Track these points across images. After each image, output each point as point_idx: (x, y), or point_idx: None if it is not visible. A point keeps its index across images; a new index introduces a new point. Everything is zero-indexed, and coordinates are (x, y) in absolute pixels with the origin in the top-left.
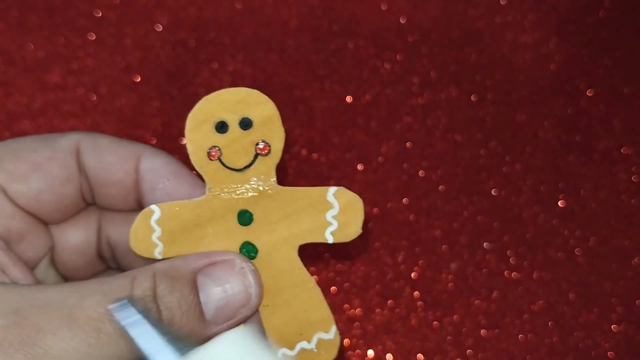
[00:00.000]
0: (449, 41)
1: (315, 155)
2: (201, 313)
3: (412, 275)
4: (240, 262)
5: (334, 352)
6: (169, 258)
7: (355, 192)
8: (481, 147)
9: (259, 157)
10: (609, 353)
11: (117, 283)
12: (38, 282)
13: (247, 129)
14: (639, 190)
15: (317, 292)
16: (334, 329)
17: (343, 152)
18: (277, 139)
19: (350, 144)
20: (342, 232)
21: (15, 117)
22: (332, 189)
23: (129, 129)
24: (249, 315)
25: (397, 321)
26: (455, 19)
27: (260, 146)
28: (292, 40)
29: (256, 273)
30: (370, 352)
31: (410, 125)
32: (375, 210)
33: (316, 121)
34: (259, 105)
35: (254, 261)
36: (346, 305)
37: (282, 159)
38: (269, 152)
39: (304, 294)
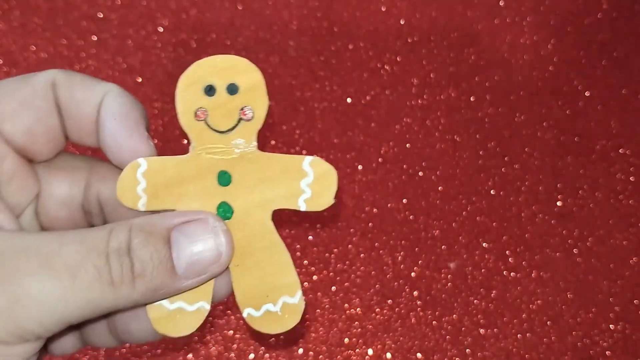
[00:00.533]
0: (448, 43)
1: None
2: (172, 267)
3: (412, 274)
4: (214, 221)
5: (298, 317)
6: (151, 212)
7: (355, 193)
8: (480, 148)
9: (242, 122)
10: (606, 352)
11: (95, 234)
12: (21, 228)
13: (233, 94)
14: (636, 191)
15: (287, 256)
16: (299, 293)
17: (343, 153)
18: (261, 106)
19: (350, 145)
20: (314, 201)
21: None
22: (309, 158)
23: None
24: (219, 272)
25: (396, 320)
26: (454, 21)
27: (245, 111)
28: (293, 42)
29: (228, 233)
30: (370, 351)
31: (409, 126)
32: (375, 210)
33: (316, 122)
34: (246, 73)
35: (228, 222)
36: (346, 305)
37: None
38: (252, 117)
39: (273, 257)
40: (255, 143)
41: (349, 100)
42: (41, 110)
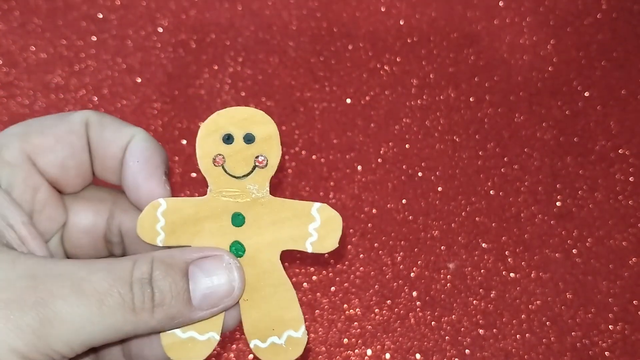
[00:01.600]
0: (447, 43)
1: (315, 156)
2: (189, 299)
3: (411, 275)
4: (229, 258)
5: (301, 349)
6: (168, 247)
7: (355, 193)
8: (479, 148)
9: (257, 169)
10: (605, 352)
11: (120, 264)
12: (51, 256)
13: (250, 143)
14: (636, 191)
15: (292, 293)
16: (303, 328)
17: (342, 153)
18: (274, 155)
19: (349, 145)
20: (320, 244)
21: (18, 118)
22: (317, 205)
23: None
24: (230, 306)
25: (395, 321)
26: (453, 22)
27: (260, 159)
28: (292, 42)
29: (241, 270)
30: (369, 352)
31: (409, 127)
32: (374, 210)
33: (316, 122)
34: (262, 124)
35: (240, 259)
36: (345, 305)
37: (281, 161)
38: (266, 165)
39: (280, 294)
40: (267, 188)
41: (348, 100)
42: (74, 147)
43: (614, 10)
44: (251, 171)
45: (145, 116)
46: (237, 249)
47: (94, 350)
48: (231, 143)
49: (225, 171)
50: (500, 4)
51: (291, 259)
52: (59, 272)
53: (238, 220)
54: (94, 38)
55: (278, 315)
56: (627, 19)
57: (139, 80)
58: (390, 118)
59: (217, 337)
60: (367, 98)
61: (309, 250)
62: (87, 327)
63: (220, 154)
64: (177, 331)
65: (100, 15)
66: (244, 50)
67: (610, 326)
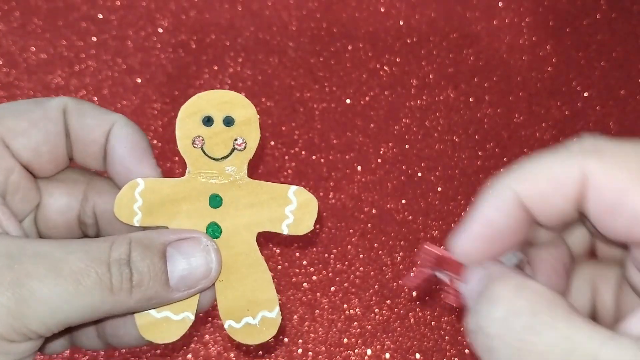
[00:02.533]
0: (447, 44)
1: (314, 156)
2: (166, 280)
3: (411, 275)
4: (206, 240)
5: (274, 329)
6: (144, 227)
7: (355, 193)
8: (479, 149)
9: (235, 151)
10: None
11: (98, 244)
12: (26, 236)
13: (229, 126)
14: None
15: (267, 275)
16: (277, 309)
17: (342, 153)
18: (253, 138)
19: (349, 145)
20: (296, 226)
21: None
22: (293, 187)
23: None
24: (207, 287)
25: (395, 320)
26: (453, 22)
27: (238, 142)
28: (292, 43)
29: (218, 252)
30: (369, 351)
31: (408, 127)
32: (374, 210)
33: (316, 123)
34: (242, 108)
35: (217, 240)
36: (345, 305)
37: (282, 161)
38: (245, 147)
39: (255, 275)
40: (245, 171)
41: (348, 101)
42: (49, 132)
43: (613, 11)
44: (230, 153)
45: (146, 116)
46: (214, 230)
47: (68, 330)
48: (211, 125)
49: (204, 153)
50: (500, 4)
51: (291, 260)
52: (35, 251)
53: (215, 201)
54: (94, 38)
55: (253, 296)
56: (627, 19)
57: (139, 80)
58: (389, 118)
59: (192, 317)
60: (367, 98)
61: (285, 232)
62: (63, 307)
63: (199, 136)
64: (152, 311)
65: (101, 16)
66: (243, 50)
67: None
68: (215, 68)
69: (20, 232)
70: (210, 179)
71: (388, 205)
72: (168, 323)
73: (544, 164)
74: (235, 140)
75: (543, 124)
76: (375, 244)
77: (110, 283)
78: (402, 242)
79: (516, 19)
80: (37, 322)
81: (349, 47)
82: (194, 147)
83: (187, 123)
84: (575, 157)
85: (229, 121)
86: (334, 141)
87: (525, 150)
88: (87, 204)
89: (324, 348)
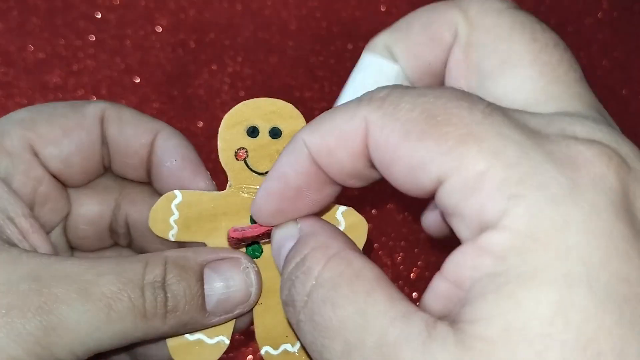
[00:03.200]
0: None
1: None
2: (203, 304)
3: (411, 275)
4: (246, 262)
5: None
6: (179, 242)
7: (354, 193)
8: None
9: None
10: None
11: (131, 266)
12: (54, 251)
13: (276, 138)
14: None
15: None
16: None
17: None
18: None
19: None
20: None
21: None
22: (342, 208)
23: None
24: (246, 312)
25: None
26: None
27: None
28: (292, 42)
29: (258, 274)
30: None
31: None
32: (374, 211)
33: None
34: (290, 119)
35: (257, 260)
36: None
37: None
38: None
39: None
40: None
41: None
42: (82, 142)
43: (614, 10)
44: None
45: None
46: (254, 250)
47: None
48: (256, 136)
49: (248, 166)
50: None
51: None
52: (64, 273)
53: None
54: (93, 38)
55: None
56: (628, 19)
57: (137, 80)
58: None
59: (227, 342)
60: None
61: None
62: (93, 334)
63: (243, 148)
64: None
65: (99, 15)
66: (243, 50)
67: None
68: (215, 67)
69: (49, 247)
70: (253, 194)
71: (388, 206)
72: (201, 347)
73: (333, 116)
74: None
75: None
76: (376, 245)
77: (143, 308)
78: (402, 243)
79: None
80: (66, 351)
81: (349, 47)
82: (236, 159)
83: (230, 133)
84: (361, 107)
85: (275, 133)
86: None
87: None
88: (120, 212)
89: None
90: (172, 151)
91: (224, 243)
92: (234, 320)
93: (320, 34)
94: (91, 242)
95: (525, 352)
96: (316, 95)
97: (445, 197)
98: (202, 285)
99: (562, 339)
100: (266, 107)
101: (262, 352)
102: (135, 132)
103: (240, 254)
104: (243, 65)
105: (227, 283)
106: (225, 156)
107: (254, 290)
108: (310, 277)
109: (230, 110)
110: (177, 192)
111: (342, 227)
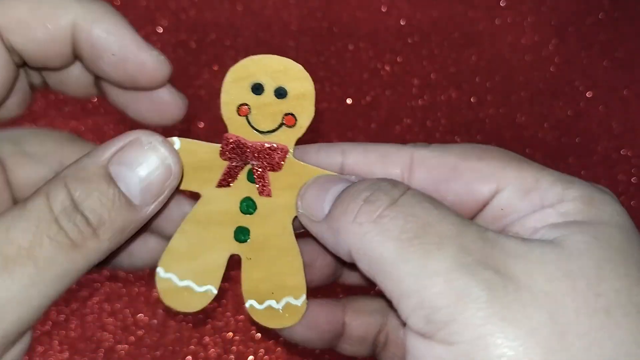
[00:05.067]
0: (448, 43)
1: None
2: (127, 201)
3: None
4: (147, 138)
5: (298, 317)
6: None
7: None
8: None
9: (283, 127)
10: None
11: (34, 204)
12: None
13: (281, 98)
14: (638, 192)
15: (299, 261)
16: (303, 297)
17: None
18: (306, 115)
19: None
20: None
21: (17, 119)
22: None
23: (129, 130)
24: (176, 185)
25: None
26: (455, 21)
27: (289, 117)
28: (293, 42)
29: (166, 142)
30: None
31: (410, 127)
32: None
33: (316, 123)
34: (298, 80)
35: (250, 216)
36: None
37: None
38: (294, 125)
39: (286, 259)
40: (292, 150)
41: (349, 100)
42: None
43: (616, 10)
44: (277, 128)
45: None
46: (248, 206)
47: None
48: (260, 94)
49: (249, 123)
50: (502, 3)
51: None
52: None
53: (252, 175)
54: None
55: (280, 280)
56: (629, 19)
57: None
58: (391, 118)
59: (215, 291)
60: (368, 98)
61: None
62: (32, 294)
63: (246, 104)
64: (174, 277)
65: None
66: (244, 50)
67: None
68: (216, 68)
69: None
70: None
71: None
72: (190, 293)
73: None
74: (286, 115)
75: (545, 124)
76: None
77: (68, 239)
78: None
79: (518, 18)
80: (13, 325)
81: (350, 47)
82: (239, 115)
83: (234, 87)
84: None
85: (281, 93)
86: (335, 141)
87: (527, 150)
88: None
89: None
90: (104, 42)
91: (218, 195)
92: (223, 269)
93: (321, 34)
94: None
95: None
96: (317, 95)
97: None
98: (115, 184)
99: None
100: (273, 65)
101: (247, 305)
102: (46, 32)
103: (136, 133)
104: None
105: (139, 169)
106: (227, 110)
107: (171, 160)
108: (398, 187)
109: (236, 64)
110: (175, 139)
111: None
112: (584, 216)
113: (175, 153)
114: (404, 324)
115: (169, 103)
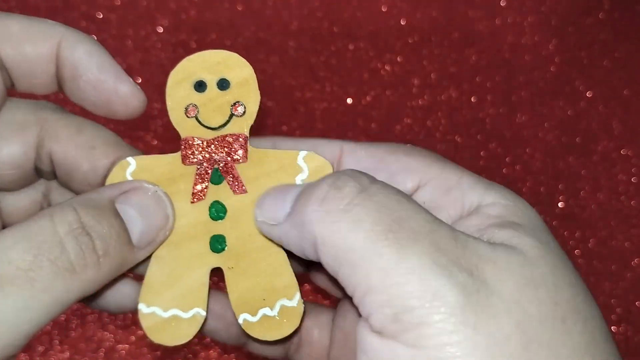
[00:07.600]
0: (449, 43)
1: None
2: (129, 239)
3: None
4: (153, 187)
5: (297, 320)
6: None
7: None
8: (481, 149)
9: (234, 117)
10: None
11: (37, 225)
12: None
13: (224, 90)
14: (638, 192)
15: (282, 256)
16: (297, 296)
17: None
18: (253, 101)
19: None
20: None
21: None
22: (303, 153)
23: (129, 130)
24: (166, 237)
25: None
26: (455, 21)
27: (236, 106)
28: (293, 42)
29: (167, 196)
30: None
31: (410, 127)
32: None
33: (317, 123)
34: (237, 68)
35: (222, 221)
36: None
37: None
38: (244, 113)
39: (269, 258)
40: (248, 136)
41: (349, 100)
42: None
43: (616, 10)
44: (228, 120)
45: (145, 116)
46: (218, 210)
47: None
48: (204, 91)
49: (200, 122)
50: (502, 3)
51: None
52: None
53: (216, 177)
54: (94, 38)
55: (268, 283)
56: (630, 19)
57: (139, 80)
58: (391, 118)
59: (203, 313)
60: (368, 98)
61: None
62: (23, 317)
63: (192, 104)
64: (157, 310)
65: (100, 15)
66: (244, 50)
67: (613, 327)
68: None
69: None
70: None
71: None
72: (177, 322)
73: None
74: (233, 105)
75: (546, 124)
76: None
77: (69, 264)
78: None
79: (518, 18)
80: (5, 346)
81: (350, 47)
82: (187, 117)
83: (177, 91)
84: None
85: (223, 84)
86: None
87: (527, 150)
88: (43, 151)
89: None
90: (86, 63)
91: (185, 206)
92: (207, 290)
93: (321, 34)
94: (17, 184)
95: None
96: (317, 95)
97: None
98: (121, 220)
99: None
100: (211, 59)
101: (240, 320)
102: (35, 51)
103: (142, 182)
104: None
105: (142, 212)
106: (175, 115)
107: (169, 212)
108: (365, 175)
109: (176, 67)
110: (130, 159)
111: (305, 174)
112: (517, 218)
113: (173, 209)
114: (359, 318)
115: (128, 96)
